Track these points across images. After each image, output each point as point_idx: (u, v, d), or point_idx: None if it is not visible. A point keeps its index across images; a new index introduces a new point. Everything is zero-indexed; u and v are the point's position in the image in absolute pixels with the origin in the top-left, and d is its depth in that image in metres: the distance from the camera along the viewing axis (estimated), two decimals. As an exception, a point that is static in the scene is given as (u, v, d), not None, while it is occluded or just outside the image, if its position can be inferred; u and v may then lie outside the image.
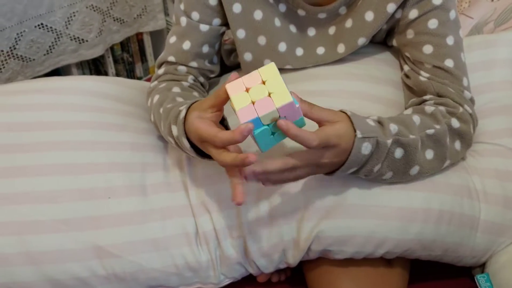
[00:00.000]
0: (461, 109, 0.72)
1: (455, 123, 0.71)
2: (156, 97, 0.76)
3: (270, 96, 0.55)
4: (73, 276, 0.69)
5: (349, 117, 0.62)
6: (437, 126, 0.69)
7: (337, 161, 0.62)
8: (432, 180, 0.72)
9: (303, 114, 0.58)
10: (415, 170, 0.69)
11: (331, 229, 0.70)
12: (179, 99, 0.73)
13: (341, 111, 0.63)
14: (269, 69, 0.57)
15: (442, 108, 0.72)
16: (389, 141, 0.64)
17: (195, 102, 0.65)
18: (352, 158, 0.61)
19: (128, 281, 0.71)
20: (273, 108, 0.54)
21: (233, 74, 0.59)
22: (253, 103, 0.56)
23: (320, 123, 0.60)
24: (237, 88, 0.57)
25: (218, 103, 0.60)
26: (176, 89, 0.77)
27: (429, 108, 0.72)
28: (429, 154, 0.69)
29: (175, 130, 0.66)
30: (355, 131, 0.61)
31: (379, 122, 0.65)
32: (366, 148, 0.62)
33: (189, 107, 0.64)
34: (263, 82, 0.56)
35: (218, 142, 0.57)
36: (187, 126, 0.63)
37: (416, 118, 0.69)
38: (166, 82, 0.80)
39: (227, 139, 0.56)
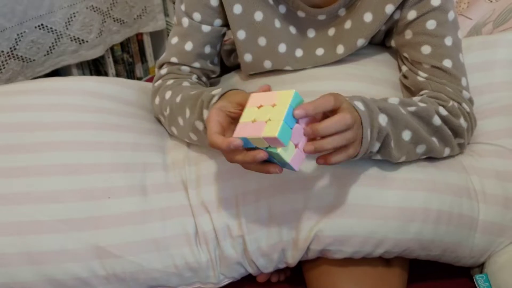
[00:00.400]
0: (451, 103, 0.72)
1: (443, 111, 0.71)
2: (169, 93, 0.77)
3: (266, 122, 0.55)
4: (73, 276, 0.69)
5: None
6: (420, 104, 0.69)
7: (359, 138, 0.61)
8: (431, 180, 0.72)
9: (303, 117, 0.57)
10: (407, 134, 0.68)
11: (330, 228, 0.70)
12: (194, 91, 0.73)
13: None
14: (286, 95, 0.56)
15: (432, 99, 0.72)
16: (369, 99, 0.65)
17: (231, 90, 0.67)
18: (361, 114, 0.60)
19: (128, 281, 0.71)
20: (259, 135, 0.55)
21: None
22: (253, 121, 0.57)
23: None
24: (257, 100, 0.58)
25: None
26: (186, 83, 0.79)
27: (417, 98, 0.73)
28: (416, 126, 0.69)
29: (206, 114, 0.67)
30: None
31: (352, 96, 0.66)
32: (359, 104, 0.62)
33: (223, 94, 0.66)
34: (274, 105, 0.56)
35: (209, 140, 0.59)
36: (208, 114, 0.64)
37: (395, 99, 0.69)
38: (172, 80, 0.80)
39: (215, 143, 0.58)
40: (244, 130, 0.57)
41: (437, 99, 0.72)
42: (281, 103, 0.56)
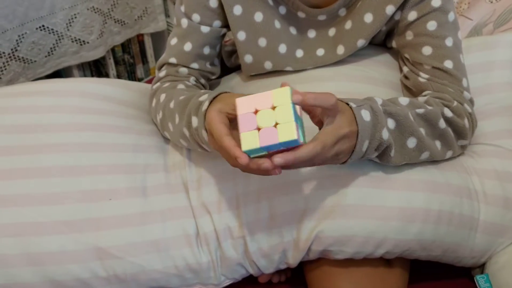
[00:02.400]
0: (455, 103, 0.72)
1: (448, 112, 0.71)
2: (163, 96, 0.77)
3: (275, 127, 0.54)
4: (74, 278, 0.69)
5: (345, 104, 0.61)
6: (428, 107, 0.69)
7: (351, 146, 0.61)
8: (432, 181, 0.72)
9: (298, 105, 0.57)
10: (412, 142, 0.68)
11: (331, 229, 0.70)
12: (183, 97, 0.73)
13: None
14: (283, 94, 0.55)
15: (436, 99, 0.72)
16: (380, 106, 0.64)
17: (221, 94, 0.65)
18: (360, 127, 0.60)
19: (128, 282, 0.71)
20: (276, 142, 0.54)
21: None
22: (259, 129, 0.55)
23: (324, 112, 0.59)
24: (246, 105, 0.56)
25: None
26: (181, 86, 0.78)
27: (422, 98, 0.72)
28: (422, 131, 0.69)
29: (195, 121, 0.66)
30: (348, 105, 0.61)
31: (365, 99, 0.66)
32: (365, 114, 0.62)
33: (212, 100, 0.65)
34: (273, 108, 0.55)
35: (221, 143, 0.57)
36: (206, 118, 0.63)
37: (404, 99, 0.69)
38: (169, 82, 0.80)
39: (227, 147, 0.56)
40: (252, 140, 0.55)
41: (441, 99, 0.73)
42: (281, 103, 0.55)
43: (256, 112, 0.56)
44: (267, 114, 0.55)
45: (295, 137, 0.53)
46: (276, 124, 0.54)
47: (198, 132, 0.66)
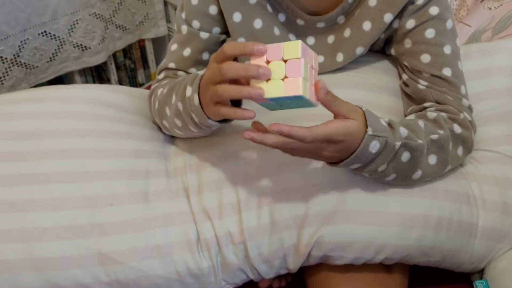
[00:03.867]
0: (462, 116, 0.73)
1: (457, 128, 0.72)
2: (160, 90, 0.78)
3: (283, 80, 0.55)
4: (76, 283, 0.70)
5: (364, 112, 0.62)
6: (441, 132, 0.70)
7: (338, 156, 0.62)
8: (431, 187, 0.73)
9: (324, 103, 0.58)
10: (417, 174, 0.69)
11: (331, 234, 0.71)
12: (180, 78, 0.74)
13: (358, 106, 0.63)
14: (294, 47, 0.55)
15: (444, 114, 0.73)
16: (398, 143, 0.64)
17: None
18: (358, 154, 0.61)
19: (130, 287, 0.72)
20: (282, 95, 0.54)
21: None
22: (267, 80, 0.55)
23: (336, 116, 0.60)
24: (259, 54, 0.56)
25: (239, 54, 0.58)
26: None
27: (431, 114, 0.72)
28: (432, 159, 0.70)
29: (189, 90, 0.66)
30: (366, 126, 0.61)
31: (390, 124, 0.66)
32: (374, 146, 0.62)
33: None
34: (285, 61, 0.55)
35: (227, 49, 0.57)
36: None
37: (422, 123, 0.70)
38: (167, 81, 0.81)
39: (236, 47, 0.56)
40: (259, 87, 0.55)
41: (447, 113, 0.73)
42: (291, 57, 0.55)
43: (268, 62, 0.56)
44: (277, 66, 0.55)
45: (300, 92, 0.53)
46: (285, 77, 0.55)
47: (190, 101, 0.66)
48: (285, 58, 0.55)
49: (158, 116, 0.80)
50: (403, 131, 0.65)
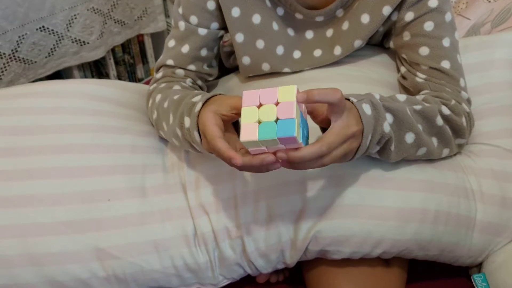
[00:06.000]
0: (453, 102, 0.72)
1: (445, 110, 0.71)
2: (159, 96, 0.77)
3: (276, 122, 0.54)
4: (73, 278, 0.70)
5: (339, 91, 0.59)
6: (426, 104, 0.69)
7: (358, 142, 0.61)
8: (429, 181, 0.72)
9: (309, 101, 0.56)
10: (410, 137, 0.68)
11: (328, 229, 0.71)
12: (177, 96, 0.73)
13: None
14: (289, 91, 0.55)
15: (435, 98, 0.72)
16: (381, 103, 0.64)
17: (214, 96, 0.66)
18: (364, 122, 0.60)
19: (128, 282, 0.72)
20: (274, 136, 0.54)
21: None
22: (259, 122, 0.55)
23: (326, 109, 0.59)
24: (252, 99, 0.56)
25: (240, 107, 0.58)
26: (176, 87, 0.79)
27: (420, 96, 0.73)
28: (420, 127, 0.69)
29: (187, 122, 0.66)
30: (348, 100, 0.61)
31: (363, 94, 0.65)
32: (366, 108, 0.61)
33: (206, 101, 0.65)
34: (277, 103, 0.55)
35: (213, 145, 0.58)
36: (200, 118, 0.62)
37: (402, 96, 0.69)
38: (165, 83, 0.81)
39: (220, 149, 0.57)
40: (250, 132, 0.55)
41: (439, 98, 0.73)
42: (285, 100, 0.55)
43: (260, 106, 0.56)
44: (269, 109, 0.55)
45: (293, 134, 0.53)
46: (277, 119, 0.55)
47: (190, 132, 0.66)
48: (279, 101, 0.55)
49: (155, 125, 0.80)
50: (376, 95, 0.65)
